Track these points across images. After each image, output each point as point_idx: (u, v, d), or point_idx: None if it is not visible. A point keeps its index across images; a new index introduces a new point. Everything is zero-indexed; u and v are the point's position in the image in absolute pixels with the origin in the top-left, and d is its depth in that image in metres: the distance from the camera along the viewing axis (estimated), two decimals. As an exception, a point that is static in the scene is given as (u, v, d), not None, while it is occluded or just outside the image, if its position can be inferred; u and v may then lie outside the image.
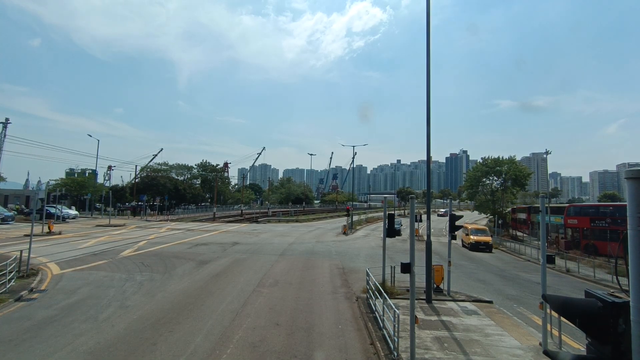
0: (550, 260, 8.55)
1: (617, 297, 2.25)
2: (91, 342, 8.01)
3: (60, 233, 28.23)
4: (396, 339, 7.48)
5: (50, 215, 33.96)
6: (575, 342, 8.92)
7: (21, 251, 14.31)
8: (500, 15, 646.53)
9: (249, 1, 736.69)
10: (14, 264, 12.86)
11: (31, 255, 14.78)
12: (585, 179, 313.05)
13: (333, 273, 16.64)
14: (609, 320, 2.16)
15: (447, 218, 15.13)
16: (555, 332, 8.51)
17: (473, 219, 66.52)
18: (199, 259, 18.67)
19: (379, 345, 8.06)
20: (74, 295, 11.69)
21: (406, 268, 7.08)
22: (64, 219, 39.66)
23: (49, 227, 28.25)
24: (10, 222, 35.45)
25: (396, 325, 7.54)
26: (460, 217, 13.62)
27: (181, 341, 8.15)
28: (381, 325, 9.05)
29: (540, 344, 8.28)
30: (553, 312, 8.55)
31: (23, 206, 49.77)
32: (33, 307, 10.45)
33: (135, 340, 8.16)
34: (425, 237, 13.32)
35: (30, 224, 15.46)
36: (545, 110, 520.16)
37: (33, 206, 15.98)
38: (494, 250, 31.04)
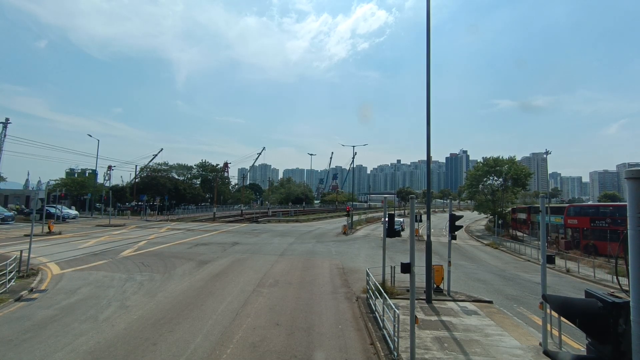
0: (550, 260, 8.55)
1: (617, 297, 2.25)
2: (91, 342, 8.01)
3: (60, 233, 28.24)
4: (396, 339, 7.48)
5: (50, 215, 33.98)
6: (575, 342, 8.92)
7: (21, 251, 14.31)
8: (501, 16, 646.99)
9: (254, 2, 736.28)
10: (14, 264, 12.87)
11: (31, 255, 14.79)
12: (585, 179, 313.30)
13: (333, 273, 16.64)
14: (609, 320, 2.16)
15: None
16: (556, 332, 8.51)
17: (473, 219, 66.58)
18: (199, 259, 18.67)
19: (379, 345, 8.06)
20: (74, 295, 11.69)
21: (406, 268, 7.07)
22: (64, 219, 39.66)
23: (49, 227, 28.26)
24: (10, 222, 35.45)
25: (396, 325, 7.53)
26: (461, 217, 13.60)
27: (181, 341, 8.15)
28: (381, 325, 9.05)
29: (540, 344, 8.28)
30: (553, 312, 8.55)
31: (23, 206, 49.76)
32: (33, 307, 10.45)
33: (135, 340, 8.16)
34: (425, 237, 13.33)
35: (30, 224, 15.47)
36: (546, 110, 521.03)
37: (33, 206, 15.98)
38: (494, 249, 31.05)
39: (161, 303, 10.99)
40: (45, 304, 10.72)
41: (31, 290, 12.01)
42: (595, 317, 2.19)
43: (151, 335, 8.45)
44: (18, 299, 11.03)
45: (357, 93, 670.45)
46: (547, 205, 12.57)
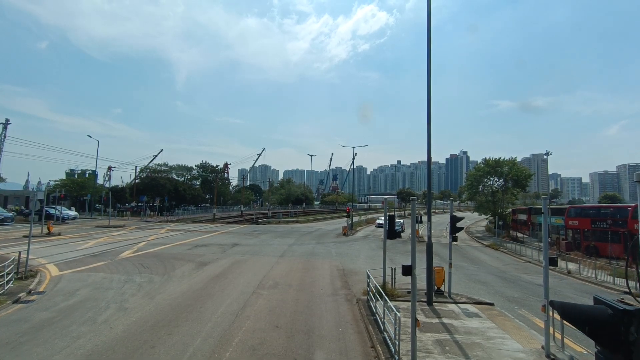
0: (552, 262, 8.47)
1: (628, 304, 2.18)
2: (89, 344, 7.93)
3: (59, 234, 28.15)
4: (397, 343, 7.40)
5: (49, 216, 33.90)
6: (578, 345, 8.84)
7: (19, 252, 14.22)
8: (501, 17, 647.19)
9: (254, 4, 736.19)
10: (12, 266, 12.79)
11: (30, 257, 14.71)
12: (586, 180, 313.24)
13: (333, 275, 16.56)
14: (620, 329, 2.08)
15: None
16: (558, 335, 8.42)
17: (473, 220, 66.49)
18: (199, 261, 18.59)
19: (379, 348, 7.98)
20: (72, 297, 11.61)
21: (407, 270, 7.00)
22: (63, 219, 39.59)
23: (48, 228, 28.17)
24: (9, 223, 35.37)
25: (397, 328, 7.45)
26: (462, 218, 13.52)
27: (180, 344, 8.07)
28: (382, 328, 8.97)
29: (542, 347, 8.20)
30: (556, 316, 8.47)
31: (23, 207, 49.67)
32: (31, 309, 10.38)
33: (134, 342, 8.08)
34: (425, 238, 13.25)
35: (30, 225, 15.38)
36: (546, 111, 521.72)
37: (32, 207, 15.90)
38: (495, 251, 30.96)
39: (160, 305, 10.91)
40: (43, 306, 10.64)
41: (29, 292, 11.93)
42: (605, 325, 2.11)
43: (150, 338, 8.37)
44: (16, 301, 10.95)
45: (358, 94, 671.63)
46: (548, 206, 12.45)
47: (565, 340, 8.27)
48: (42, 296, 11.65)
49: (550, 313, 7.99)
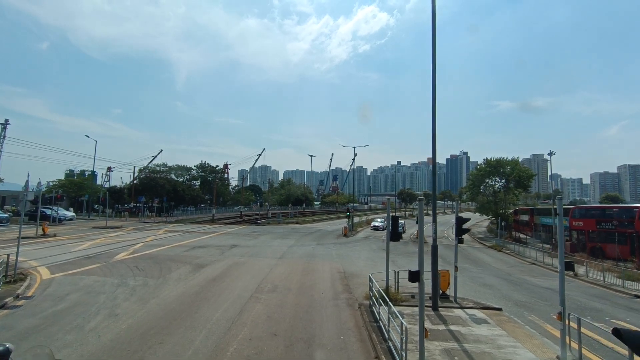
0: (569, 267, 7.98)
1: None
2: (74, 355, 7.42)
3: (55, 235, 27.59)
4: (403, 354, 6.88)
5: (45, 217, 33.40)
6: (596, 355, 8.32)
7: (9, 255, 13.72)
8: (501, 17, 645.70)
9: (255, 4, 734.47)
10: (0, 268, 12.29)
11: (21, 259, 14.28)
12: (586, 180, 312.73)
13: (334, 277, 16.05)
14: None
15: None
16: (575, 345, 7.91)
17: (474, 221, 65.99)
18: (196, 263, 18.08)
19: (384, 359, 7.47)
20: (61, 302, 11.10)
21: (415, 277, 6.50)
22: (60, 220, 39.06)
23: (43, 230, 27.61)
24: (5, 224, 34.85)
25: (403, 337, 6.94)
26: (468, 219, 13.02)
27: (171, 354, 7.56)
28: (386, 336, 8.46)
29: (558, 358, 7.70)
30: (572, 324, 7.95)
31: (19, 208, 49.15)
32: (17, 315, 9.86)
33: (122, 353, 7.57)
34: (428, 240, 12.75)
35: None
36: (546, 111, 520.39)
37: (21, 208, 15.39)
38: (497, 252, 30.45)
39: (153, 311, 10.40)
40: (31, 312, 10.13)
41: (17, 297, 11.40)
42: None
43: (139, 347, 7.86)
44: (2, 307, 10.42)
45: (358, 94, 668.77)
46: (554, 207, 11.92)
47: (583, 351, 7.76)
48: (30, 301, 11.13)
49: (567, 322, 7.48)
